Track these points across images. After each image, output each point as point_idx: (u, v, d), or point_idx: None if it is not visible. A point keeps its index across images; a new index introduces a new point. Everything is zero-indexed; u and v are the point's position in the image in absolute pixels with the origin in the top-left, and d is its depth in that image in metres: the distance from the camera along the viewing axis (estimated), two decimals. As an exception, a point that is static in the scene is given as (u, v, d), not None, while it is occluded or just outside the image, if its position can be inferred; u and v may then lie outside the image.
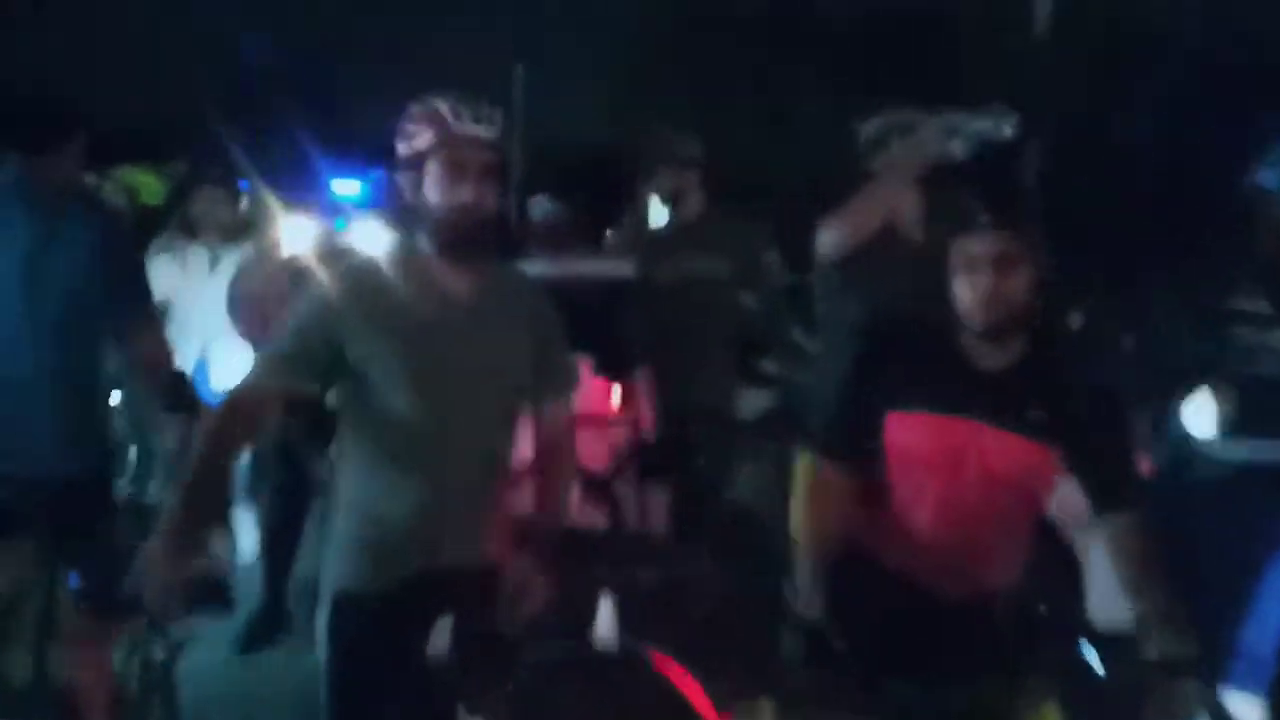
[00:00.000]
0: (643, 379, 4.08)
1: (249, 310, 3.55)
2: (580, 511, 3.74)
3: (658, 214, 9.32)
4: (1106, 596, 2.34)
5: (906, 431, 2.07)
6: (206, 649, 3.39)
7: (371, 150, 5.95)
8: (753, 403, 4.34)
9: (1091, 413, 2.01)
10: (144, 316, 2.71)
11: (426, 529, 2.05)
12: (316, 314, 2.03)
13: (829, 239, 2.72)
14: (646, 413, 4.05)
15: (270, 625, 3.81)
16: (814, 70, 16.91)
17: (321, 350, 2.01)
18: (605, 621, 1.71)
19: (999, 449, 2.01)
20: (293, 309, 2.10)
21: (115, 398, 3.45)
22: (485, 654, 1.86)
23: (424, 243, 2.07)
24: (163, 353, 2.76)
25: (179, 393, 2.81)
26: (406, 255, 2.10)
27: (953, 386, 2.03)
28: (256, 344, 3.33)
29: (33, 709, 2.70)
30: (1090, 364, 2.07)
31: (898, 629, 2.00)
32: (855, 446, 2.13)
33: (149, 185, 5.50)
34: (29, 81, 2.78)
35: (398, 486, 2.05)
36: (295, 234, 3.82)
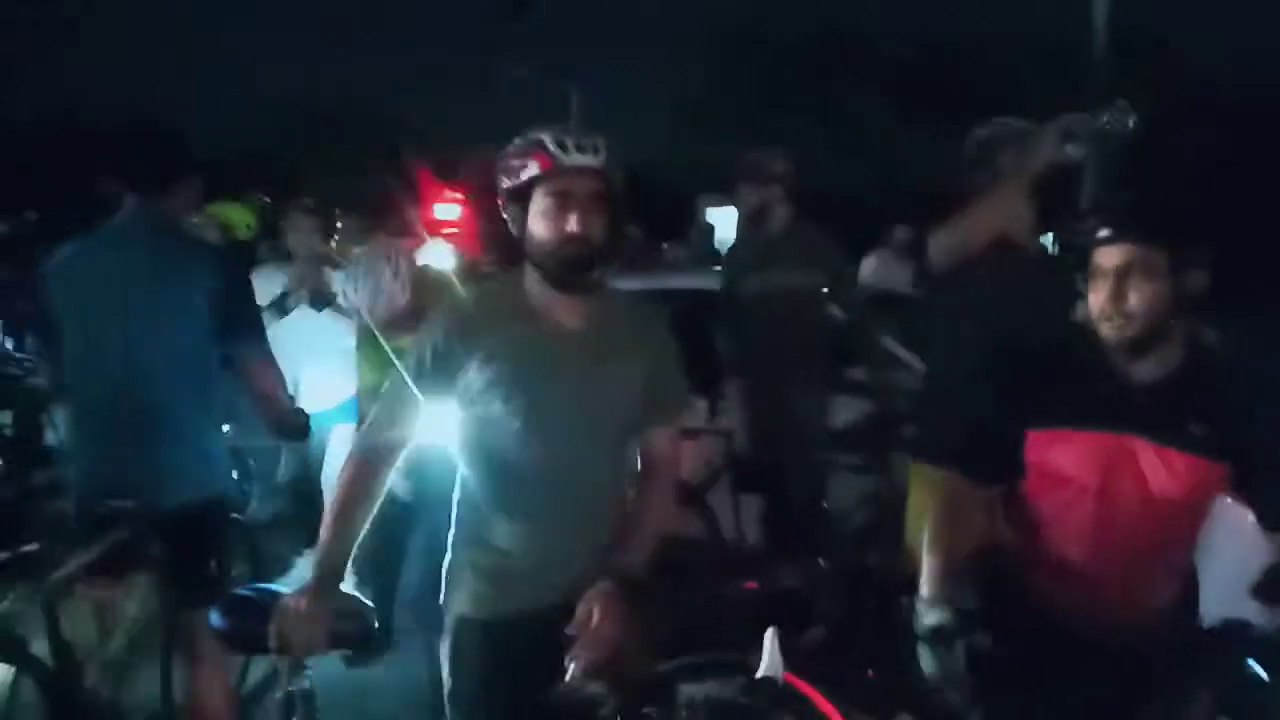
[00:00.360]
0: (733, 390, 4.07)
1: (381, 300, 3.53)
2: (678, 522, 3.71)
3: (720, 230, 9.29)
4: (1222, 591, 2.23)
5: (1056, 449, 1.99)
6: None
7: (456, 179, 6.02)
8: (844, 413, 4.28)
9: (1263, 427, 1.91)
10: (260, 350, 2.76)
11: (545, 560, 2.05)
12: (432, 351, 2.04)
13: (942, 249, 2.67)
14: (738, 424, 4.04)
15: (376, 641, 3.84)
16: (877, 91, 16.85)
17: (437, 389, 2.04)
18: (771, 656, 1.69)
19: (1160, 466, 1.92)
20: (406, 354, 2.11)
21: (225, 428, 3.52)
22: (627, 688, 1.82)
23: (532, 276, 2.06)
24: (277, 384, 2.81)
25: (292, 422, 2.87)
26: (516, 289, 2.09)
27: (1105, 402, 1.95)
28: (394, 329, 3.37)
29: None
30: (1251, 376, 1.96)
31: (1049, 653, 1.92)
32: (992, 463, 2.07)
33: (239, 218, 5.62)
34: (145, 120, 2.86)
35: (515, 518, 2.06)
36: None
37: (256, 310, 2.79)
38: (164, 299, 2.63)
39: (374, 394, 3.66)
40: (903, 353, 4.39)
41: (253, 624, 1.88)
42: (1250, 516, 2.63)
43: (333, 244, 4.31)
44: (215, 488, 2.80)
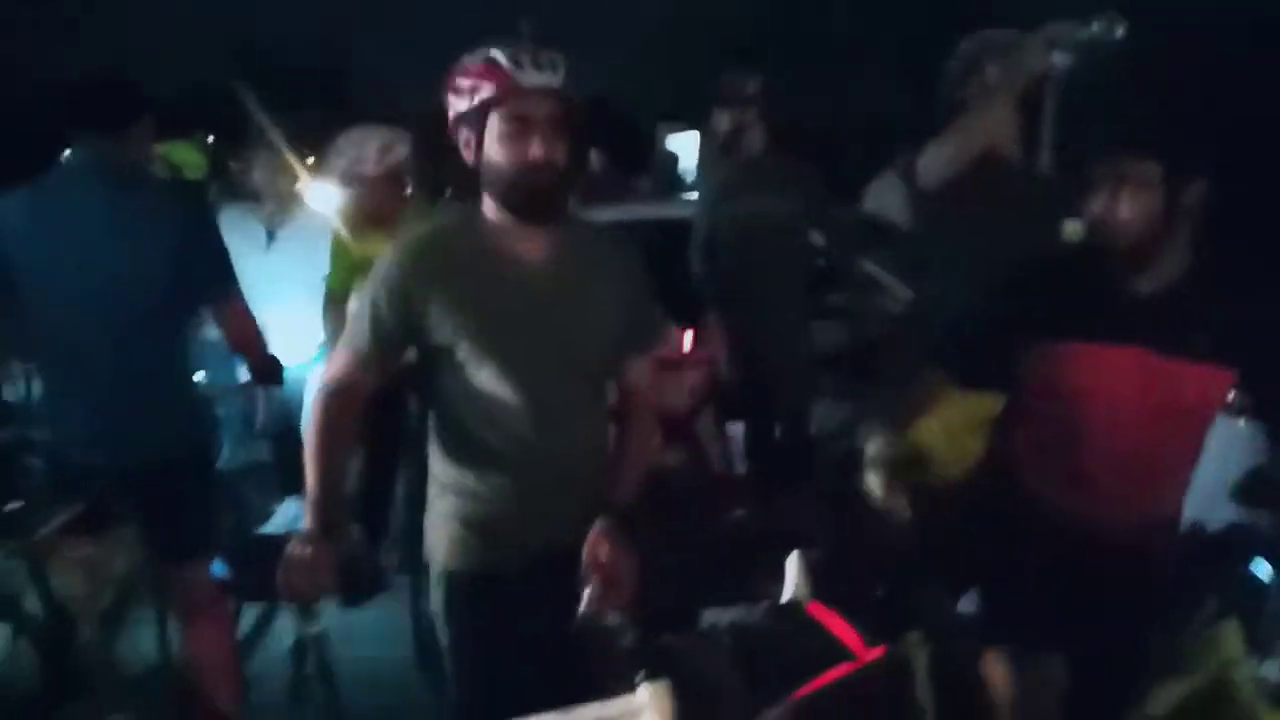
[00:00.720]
0: (714, 320, 4.04)
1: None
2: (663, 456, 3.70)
3: (682, 159, 9.18)
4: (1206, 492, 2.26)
5: (1063, 363, 1.99)
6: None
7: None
8: (826, 337, 4.28)
9: (1270, 331, 1.91)
10: (233, 294, 2.66)
11: (530, 505, 1.96)
12: (387, 297, 1.91)
13: (931, 166, 2.62)
14: (720, 354, 4.02)
15: (367, 581, 3.85)
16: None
17: (399, 336, 1.93)
18: (797, 579, 1.67)
19: (1169, 376, 1.92)
20: (361, 294, 2.00)
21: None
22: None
23: (491, 207, 1.92)
24: (252, 328, 2.72)
25: (268, 367, 2.80)
26: (474, 223, 1.95)
27: (1111, 314, 1.94)
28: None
29: (154, 691, 2.74)
30: (1255, 281, 1.96)
31: (1058, 564, 1.95)
32: (996, 377, 2.06)
33: (188, 158, 5.42)
34: (95, 61, 2.71)
35: (494, 465, 1.95)
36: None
37: (226, 251, 2.68)
38: (129, 245, 2.51)
39: (335, 304, 3.63)
40: (885, 277, 4.38)
41: (258, 572, 1.83)
42: (1234, 420, 2.67)
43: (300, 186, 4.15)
44: (194, 437, 2.73)
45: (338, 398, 1.95)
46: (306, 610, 1.89)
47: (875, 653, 1.96)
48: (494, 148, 1.84)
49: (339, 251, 3.54)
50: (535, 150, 1.82)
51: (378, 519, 3.86)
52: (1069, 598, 1.92)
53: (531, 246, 1.93)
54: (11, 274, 2.54)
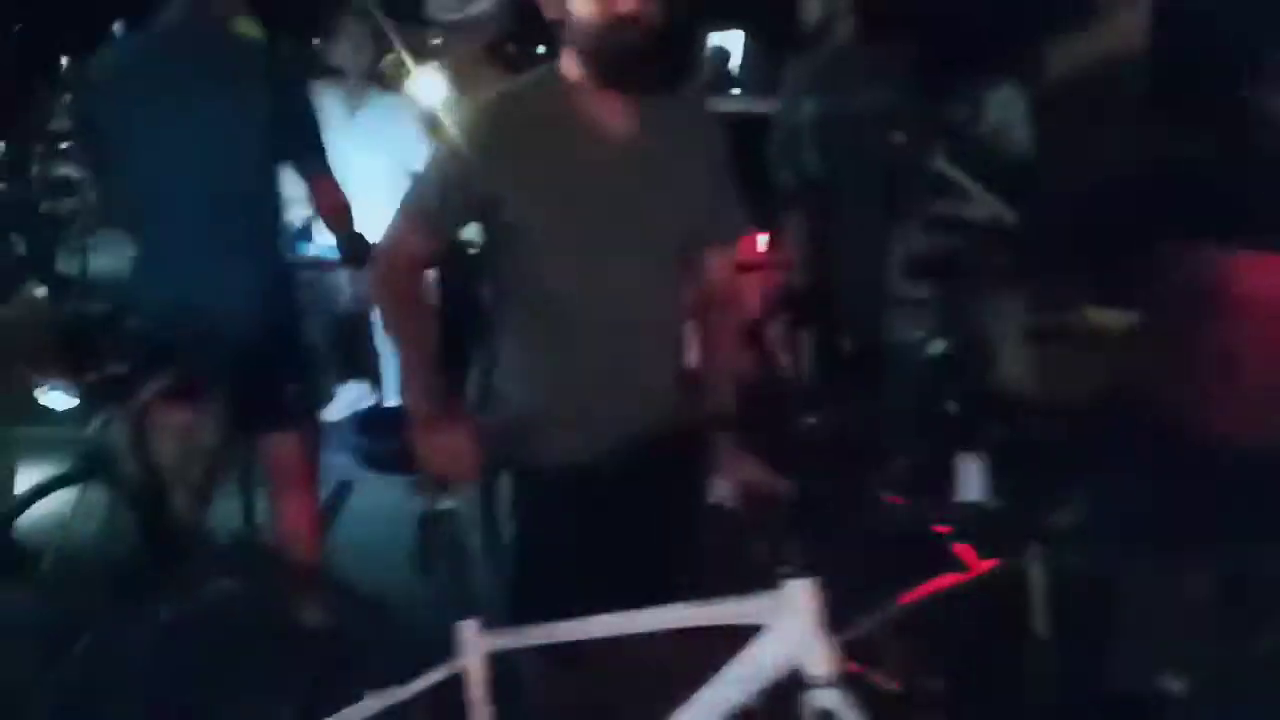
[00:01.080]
0: (791, 222, 3.94)
1: None
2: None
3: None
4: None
5: (1235, 272, 1.90)
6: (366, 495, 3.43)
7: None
8: (907, 246, 4.17)
9: None
10: (325, 165, 2.60)
11: (602, 395, 1.80)
12: (455, 163, 1.76)
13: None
14: (796, 258, 3.93)
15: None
16: None
17: (464, 205, 1.78)
18: (972, 480, 1.64)
19: None
20: (429, 157, 1.87)
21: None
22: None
23: (573, 70, 1.73)
24: (343, 202, 2.66)
25: (356, 245, 2.75)
26: (553, 85, 1.76)
27: None
28: None
29: (244, 558, 2.78)
30: None
31: (1201, 482, 1.89)
32: (1131, 291, 1.98)
33: (249, 29, 5.28)
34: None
35: (566, 354, 1.80)
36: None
37: (318, 120, 2.61)
38: (225, 108, 2.44)
39: None
40: (970, 184, 4.25)
41: (394, 444, 1.79)
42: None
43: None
44: (286, 307, 2.70)
45: (396, 266, 1.82)
46: (439, 485, 1.86)
47: (988, 564, 1.94)
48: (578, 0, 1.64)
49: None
50: (625, 3, 1.61)
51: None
52: (1211, 517, 1.87)
53: (614, 118, 1.74)
54: (103, 137, 2.49)
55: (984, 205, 4.56)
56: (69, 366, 2.31)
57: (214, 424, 2.74)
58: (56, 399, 2.27)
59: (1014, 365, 2.38)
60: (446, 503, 1.89)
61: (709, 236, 1.90)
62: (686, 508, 1.88)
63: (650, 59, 1.66)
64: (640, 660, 1.81)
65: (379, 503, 3.39)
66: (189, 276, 2.50)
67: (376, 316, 1.84)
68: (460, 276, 2.81)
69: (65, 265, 4.98)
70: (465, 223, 1.87)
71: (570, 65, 1.73)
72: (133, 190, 2.52)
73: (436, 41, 3.28)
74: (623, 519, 1.79)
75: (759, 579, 1.52)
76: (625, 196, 1.75)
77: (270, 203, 2.59)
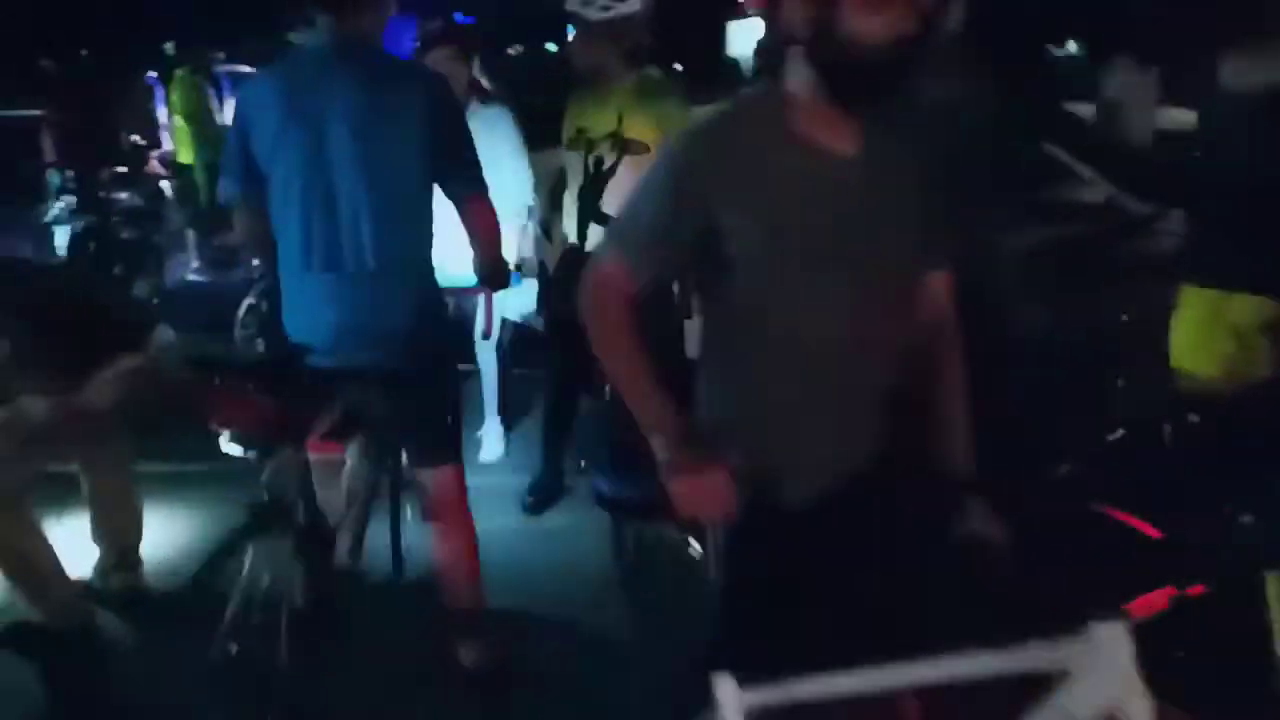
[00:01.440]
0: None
1: None
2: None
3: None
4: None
5: None
6: (496, 514, 3.41)
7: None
8: (1024, 238, 4.03)
9: None
10: (482, 186, 2.48)
11: (823, 429, 1.70)
12: (673, 191, 1.64)
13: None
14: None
15: (552, 490, 3.80)
16: None
17: (682, 236, 1.65)
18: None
19: None
20: (635, 189, 1.73)
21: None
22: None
23: (803, 85, 1.61)
24: (496, 227, 2.55)
25: (500, 270, 2.64)
26: (776, 104, 1.64)
27: None
28: None
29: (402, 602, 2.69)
30: None
31: None
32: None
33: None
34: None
35: (785, 381, 1.68)
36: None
37: (471, 139, 2.49)
38: (383, 130, 2.32)
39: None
40: (1081, 168, 4.10)
41: (646, 489, 1.66)
42: None
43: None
44: (443, 334, 2.59)
45: (608, 303, 1.70)
46: (690, 530, 1.74)
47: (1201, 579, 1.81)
48: (852, 13, 1.52)
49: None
50: (901, 22, 1.50)
51: (561, 426, 3.76)
52: None
53: (841, 135, 1.63)
54: (258, 163, 2.39)
55: (1097, 189, 4.42)
56: (233, 411, 2.21)
57: (374, 462, 2.66)
58: (235, 446, 2.16)
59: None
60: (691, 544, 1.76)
61: (930, 257, 1.77)
62: (931, 549, 1.75)
63: (902, 80, 1.57)
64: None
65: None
66: (350, 305, 2.38)
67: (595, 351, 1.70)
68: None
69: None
70: (681, 255, 1.71)
71: (801, 83, 1.62)
72: (286, 216, 2.39)
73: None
74: (863, 562, 1.70)
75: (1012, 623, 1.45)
76: (853, 218, 1.63)
77: (427, 226, 2.47)
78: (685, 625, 2.50)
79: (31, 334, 2.65)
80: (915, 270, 1.76)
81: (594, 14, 3.11)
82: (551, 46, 16.35)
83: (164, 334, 2.85)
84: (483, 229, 2.49)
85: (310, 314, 2.43)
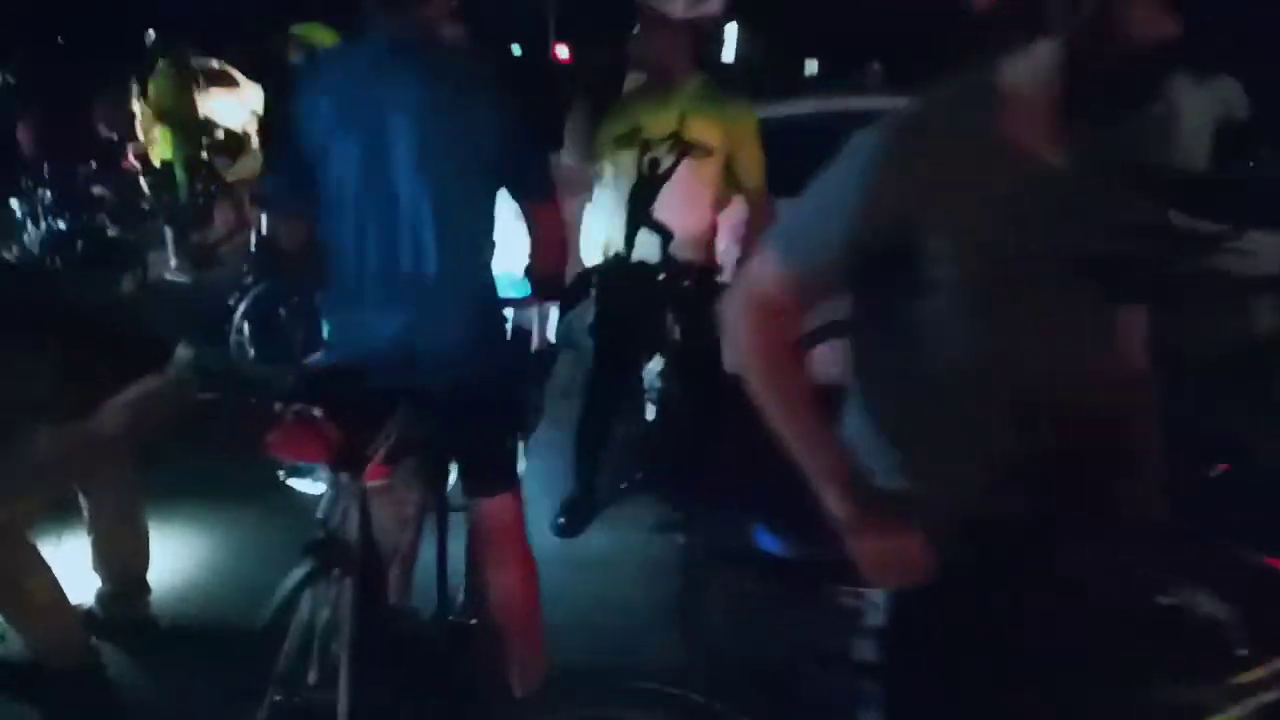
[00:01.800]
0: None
1: None
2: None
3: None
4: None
5: None
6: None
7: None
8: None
9: None
10: (551, 192, 2.28)
11: (1027, 485, 1.48)
12: (863, 197, 1.40)
13: None
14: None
15: (586, 509, 3.61)
16: None
17: (867, 248, 1.43)
18: None
19: None
20: (809, 193, 1.47)
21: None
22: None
23: (1029, 87, 1.41)
24: (563, 235, 2.35)
25: (559, 282, 2.45)
26: (987, 108, 1.43)
27: None
28: None
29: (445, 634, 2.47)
30: None
31: None
32: None
33: (326, 39, 4.98)
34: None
35: (984, 433, 1.48)
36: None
37: (541, 141, 2.28)
38: (446, 129, 2.11)
39: None
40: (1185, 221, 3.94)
41: (826, 550, 1.44)
42: None
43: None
44: (506, 351, 2.39)
45: (768, 332, 1.47)
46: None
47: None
48: (1145, 10, 1.34)
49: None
50: (1175, 23, 1.35)
51: (593, 449, 3.58)
52: None
53: (1053, 146, 1.44)
54: (309, 164, 2.17)
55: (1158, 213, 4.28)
56: (299, 441, 1.99)
57: (421, 488, 2.45)
58: (303, 481, 1.94)
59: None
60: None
61: (1130, 298, 1.57)
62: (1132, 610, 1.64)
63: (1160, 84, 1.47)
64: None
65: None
66: (403, 319, 2.17)
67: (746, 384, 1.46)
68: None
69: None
70: (856, 269, 1.47)
71: (1031, 81, 1.41)
72: (339, 221, 2.18)
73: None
74: (1059, 619, 1.54)
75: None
76: (1066, 245, 1.43)
77: (490, 234, 2.27)
78: (751, 669, 2.34)
79: (31, 353, 2.37)
80: (1116, 309, 1.56)
81: (678, 11, 2.95)
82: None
83: (184, 352, 2.58)
84: (551, 240, 2.29)
85: (365, 328, 2.21)
